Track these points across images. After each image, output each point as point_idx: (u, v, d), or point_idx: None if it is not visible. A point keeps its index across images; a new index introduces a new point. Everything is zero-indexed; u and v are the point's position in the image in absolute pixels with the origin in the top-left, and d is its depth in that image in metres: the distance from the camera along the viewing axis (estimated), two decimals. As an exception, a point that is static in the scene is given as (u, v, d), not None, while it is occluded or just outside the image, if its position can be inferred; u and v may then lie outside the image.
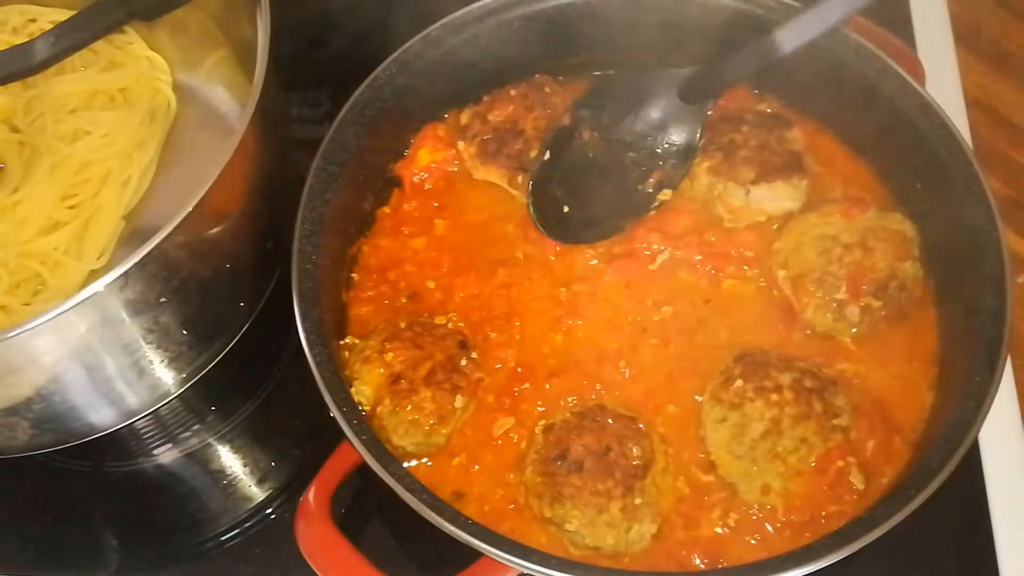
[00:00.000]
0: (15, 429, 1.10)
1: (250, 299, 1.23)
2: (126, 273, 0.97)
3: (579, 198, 1.21)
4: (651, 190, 1.20)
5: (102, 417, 1.16)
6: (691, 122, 1.21)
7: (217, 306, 1.18)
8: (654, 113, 1.23)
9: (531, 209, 1.21)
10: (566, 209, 1.20)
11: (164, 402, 1.19)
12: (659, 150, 1.22)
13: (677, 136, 1.22)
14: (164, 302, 1.05)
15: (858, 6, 1.10)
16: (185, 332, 1.13)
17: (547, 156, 1.23)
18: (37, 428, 1.11)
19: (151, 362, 1.12)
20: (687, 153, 1.21)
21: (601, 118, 1.23)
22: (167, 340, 1.11)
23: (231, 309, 1.21)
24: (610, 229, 1.20)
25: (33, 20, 1.42)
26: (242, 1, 1.20)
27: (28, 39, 1.31)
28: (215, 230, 1.09)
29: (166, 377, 1.16)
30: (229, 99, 1.43)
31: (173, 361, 1.14)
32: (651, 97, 1.23)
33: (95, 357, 1.06)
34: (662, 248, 1.18)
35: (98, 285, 0.96)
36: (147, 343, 1.09)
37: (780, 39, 1.11)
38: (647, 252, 1.19)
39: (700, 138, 1.21)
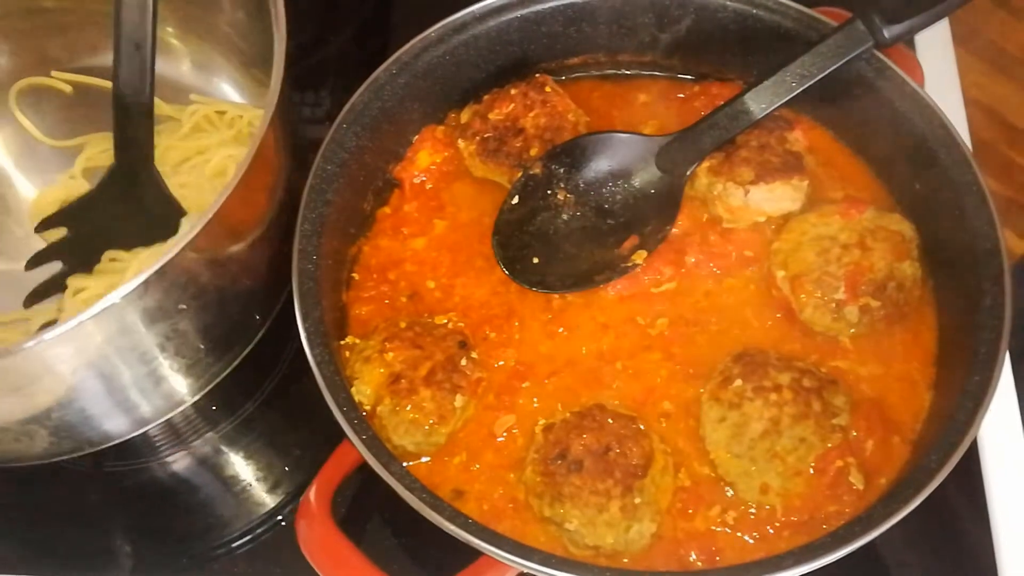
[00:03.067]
0: (34, 437, 1.10)
1: (264, 307, 1.24)
2: (144, 282, 0.97)
3: (550, 253, 1.20)
4: (626, 252, 1.19)
5: (118, 425, 1.16)
6: (670, 191, 1.21)
7: (234, 314, 1.18)
8: (633, 181, 1.22)
9: (496, 249, 1.20)
10: (536, 260, 1.19)
11: (178, 409, 1.19)
12: (637, 216, 1.21)
13: (656, 204, 1.21)
14: (183, 310, 1.05)
15: (828, 70, 1.14)
16: (201, 342, 1.13)
17: (515, 200, 1.22)
18: (55, 436, 1.11)
19: (168, 371, 1.12)
20: (666, 219, 1.20)
21: (577, 182, 1.22)
22: (184, 349, 1.11)
23: (247, 317, 1.22)
24: (581, 283, 1.18)
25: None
26: (254, 7, 1.20)
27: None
28: (232, 238, 1.09)
29: (181, 385, 1.16)
30: (236, 96, 1.46)
31: (189, 369, 1.15)
32: (629, 165, 1.22)
33: (113, 367, 1.06)
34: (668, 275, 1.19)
35: (115, 296, 0.95)
36: (164, 352, 1.09)
37: (751, 105, 1.16)
38: (659, 277, 1.18)
39: (679, 206, 1.20)
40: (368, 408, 1.08)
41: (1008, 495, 1.18)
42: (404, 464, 1.04)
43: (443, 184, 1.27)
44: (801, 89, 1.15)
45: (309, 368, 1.04)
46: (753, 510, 1.04)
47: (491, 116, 1.25)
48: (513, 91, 1.26)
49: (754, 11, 1.23)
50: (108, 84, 1.40)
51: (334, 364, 1.06)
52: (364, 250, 1.24)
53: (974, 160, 1.11)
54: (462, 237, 1.23)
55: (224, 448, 1.29)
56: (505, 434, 1.10)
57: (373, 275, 1.21)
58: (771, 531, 1.03)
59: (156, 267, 0.97)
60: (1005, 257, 1.06)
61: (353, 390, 1.08)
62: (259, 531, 1.21)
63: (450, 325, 1.15)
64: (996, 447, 1.20)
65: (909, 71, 1.18)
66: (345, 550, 1.00)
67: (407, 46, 1.23)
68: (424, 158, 1.27)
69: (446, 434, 1.09)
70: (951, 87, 1.50)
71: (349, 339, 1.15)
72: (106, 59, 1.40)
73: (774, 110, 1.16)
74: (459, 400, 1.09)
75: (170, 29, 1.45)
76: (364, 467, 1.01)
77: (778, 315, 1.15)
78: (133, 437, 1.18)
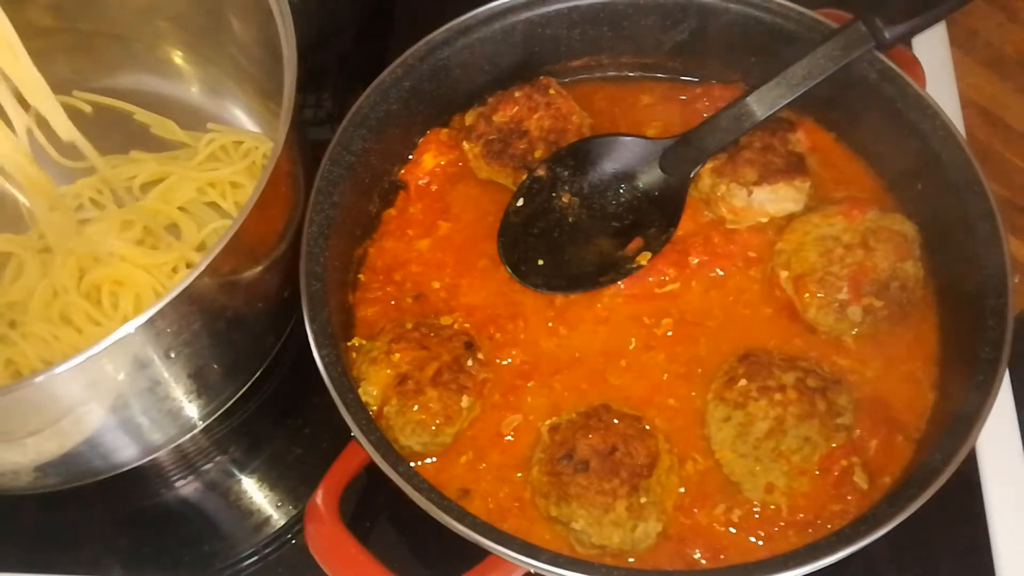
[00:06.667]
0: (44, 470, 1.10)
1: (278, 328, 1.24)
2: (160, 311, 0.97)
3: (555, 255, 1.20)
4: (631, 254, 1.19)
5: (128, 454, 1.16)
6: (674, 192, 1.21)
7: (247, 338, 1.19)
8: (637, 184, 1.23)
9: (501, 251, 1.20)
10: (540, 262, 1.20)
11: (188, 435, 1.19)
12: (641, 218, 1.22)
13: (660, 205, 1.21)
14: (197, 337, 1.05)
15: (829, 71, 1.14)
16: (215, 369, 1.13)
17: (520, 202, 1.22)
18: (65, 465, 1.11)
19: (178, 399, 1.12)
20: (670, 221, 1.20)
21: (582, 185, 1.23)
22: (198, 376, 1.11)
23: (261, 339, 1.22)
24: (586, 284, 1.18)
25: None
26: (262, 35, 1.21)
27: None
28: (247, 262, 1.09)
29: (191, 411, 1.16)
30: (249, 124, 1.47)
31: (200, 395, 1.14)
32: (633, 167, 1.23)
33: (123, 396, 1.05)
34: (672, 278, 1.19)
35: (129, 327, 0.95)
36: (176, 381, 1.09)
37: (754, 107, 1.16)
38: (664, 278, 1.19)
39: (683, 208, 1.21)
40: (375, 409, 1.08)
41: (1005, 495, 1.18)
42: (411, 464, 1.05)
43: (448, 186, 1.28)
44: (803, 90, 1.15)
45: (314, 371, 1.04)
46: (758, 509, 1.05)
47: (495, 118, 1.25)
48: (517, 93, 1.26)
49: (756, 13, 1.24)
50: (124, 105, 1.43)
51: (341, 365, 1.06)
52: (370, 252, 1.24)
53: (976, 160, 1.12)
54: (467, 238, 1.23)
55: (230, 466, 1.28)
56: (512, 433, 1.11)
57: (379, 276, 1.22)
58: (776, 530, 1.03)
59: (167, 300, 0.96)
60: (1007, 256, 1.06)
61: (360, 391, 1.08)
62: (267, 551, 1.21)
63: (456, 326, 1.15)
64: (993, 448, 1.21)
65: (911, 72, 1.18)
66: (353, 550, 1.00)
67: (412, 49, 1.24)
68: (429, 160, 1.28)
69: (452, 434, 1.09)
70: (948, 89, 1.50)
71: (355, 340, 1.15)
72: (123, 80, 1.45)
73: (776, 112, 1.16)
74: (465, 400, 1.09)
75: (178, 52, 1.46)
76: (371, 468, 1.02)
77: (782, 315, 1.16)
78: (141, 464, 1.18)
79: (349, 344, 1.15)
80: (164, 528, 1.24)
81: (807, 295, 1.13)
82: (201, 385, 1.13)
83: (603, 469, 1.02)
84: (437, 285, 1.20)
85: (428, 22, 1.25)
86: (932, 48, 1.53)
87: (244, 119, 1.47)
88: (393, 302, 1.20)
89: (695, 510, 1.06)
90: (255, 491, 1.26)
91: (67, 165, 1.40)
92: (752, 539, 1.04)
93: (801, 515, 1.03)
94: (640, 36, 1.30)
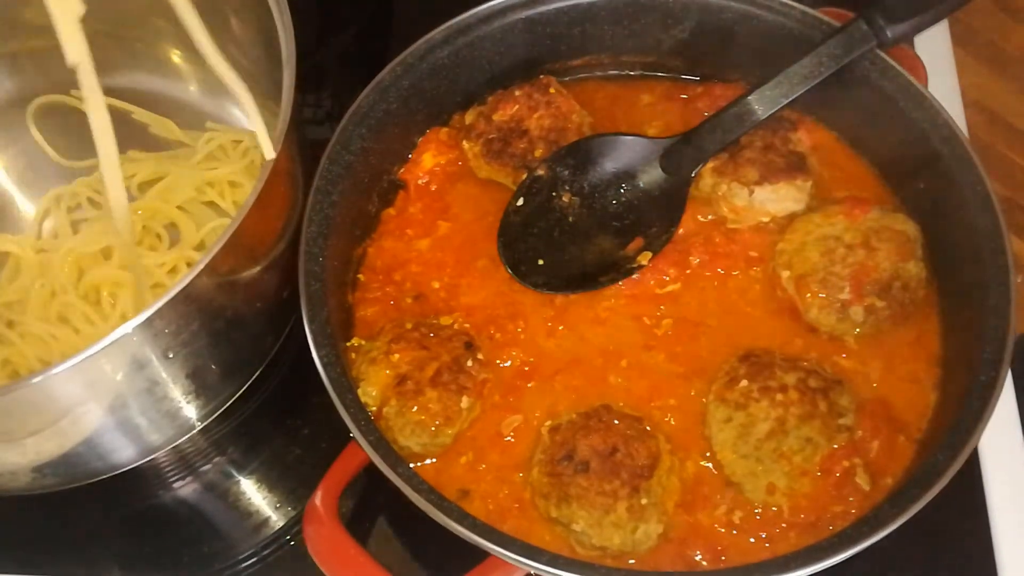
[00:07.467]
0: (43, 470, 1.10)
1: (277, 328, 1.24)
2: (158, 311, 0.96)
3: (555, 255, 1.20)
4: (631, 253, 1.19)
5: (126, 455, 1.15)
6: (675, 192, 1.21)
7: (246, 338, 1.18)
8: (638, 183, 1.22)
9: (501, 250, 1.20)
10: (540, 262, 1.19)
11: (187, 436, 1.19)
12: (642, 218, 1.21)
13: (661, 205, 1.21)
14: (195, 337, 1.05)
15: (831, 70, 1.14)
16: (213, 369, 1.13)
17: (520, 202, 1.22)
18: (64, 466, 1.11)
19: (177, 399, 1.12)
20: (670, 221, 1.20)
21: (582, 184, 1.22)
22: (196, 377, 1.10)
23: (260, 339, 1.22)
24: (586, 284, 1.18)
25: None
26: (262, 36, 1.20)
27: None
28: (246, 262, 1.09)
29: (190, 412, 1.16)
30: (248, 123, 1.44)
31: (199, 396, 1.14)
32: (634, 167, 1.22)
33: (122, 397, 1.05)
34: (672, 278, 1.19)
35: (127, 327, 0.94)
36: (174, 381, 1.08)
37: (755, 106, 1.16)
38: (664, 278, 1.18)
39: (684, 207, 1.20)
40: (374, 409, 1.08)
41: (1007, 495, 1.18)
42: (411, 465, 1.04)
43: (447, 185, 1.27)
44: (804, 89, 1.15)
45: (314, 372, 1.03)
46: (759, 510, 1.04)
47: (495, 117, 1.25)
48: (517, 92, 1.25)
49: (757, 12, 1.24)
50: (123, 105, 1.42)
51: (340, 366, 1.06)
52: (369, 251, 1.23)
53: (978, 159, 1.11)
54: (466, 238, 1.23)
55: (229, 467, 1.28)
56: (512, 434, 1.10)
57: (379, 276, 1.21)
58: (777, 531, 1.03)
59: (165, 300, 0.96)
60: (1010, 256, 1.06)
61: (359, 392, 1.07)
62: (266, 552, 1.21)
63: (456, 326, 1.15)
64: (995, 449, 1.20)
65: (912, 70, 1.18)
66: (352, 551, 1.00)
67: (412, 48, 1.23)
68: (428, 160, 1.27)
69: (452, 435, 1.09)
70: (950, 88, 1.50)
71: (355, 341, 1.15)
72: (121, 80, 1.44)
73: (778, 111, 1.16)
74: (465, 401, 1.09)
75: (177, 51, 1.45)
76: (370, 469, 1.01)
77: (783, 315, 1.15)
78: (140, 465, 1.18)
79: (348, 344, 1.15)
80: (163, 529, 1.24)
81: (809, 295, 1.12)
82: (199, 385, 1.12)
83: (604, 470, 1.02)
84: (437, 285, 1.20)
85: (428, 21, 1.25)
86: (934, 47, 1.53)
87: (243, 118, 1.47)
88: (393, 302, 1.19)
89: (696, 511, 1.05)
90: (254, 492, 1.26)
91: (66, 165, 1.40)
92: (753, 540, 1.03)
93: (803, 516, 1.03)
94: (641, 35, 1.30)
